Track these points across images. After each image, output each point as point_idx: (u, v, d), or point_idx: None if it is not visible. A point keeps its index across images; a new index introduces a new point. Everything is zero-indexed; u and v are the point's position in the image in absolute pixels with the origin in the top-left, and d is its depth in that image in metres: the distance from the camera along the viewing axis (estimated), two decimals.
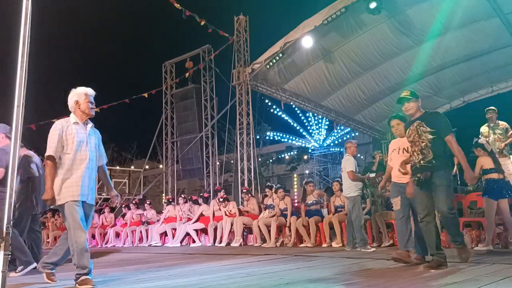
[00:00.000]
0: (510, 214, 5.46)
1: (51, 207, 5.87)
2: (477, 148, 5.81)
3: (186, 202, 10.10)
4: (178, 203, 10.18)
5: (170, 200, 10.76)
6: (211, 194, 12.09)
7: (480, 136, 8.18)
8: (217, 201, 9.16)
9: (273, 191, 8.57)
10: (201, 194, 10.49)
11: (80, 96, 3.58)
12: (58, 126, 3.49)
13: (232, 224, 8.62)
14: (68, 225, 3.39)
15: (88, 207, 3.55)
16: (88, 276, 3.30)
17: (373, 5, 8.61)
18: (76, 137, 3.48)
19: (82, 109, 3.57)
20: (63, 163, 3.44)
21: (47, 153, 3.41)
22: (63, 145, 3.45)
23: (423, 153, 3.82)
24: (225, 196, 9.17)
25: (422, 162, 3.82)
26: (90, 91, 3.65)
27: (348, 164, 6.24)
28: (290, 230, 7.86)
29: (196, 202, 9.90)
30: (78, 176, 3.44)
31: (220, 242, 8.61)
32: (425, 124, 3.88)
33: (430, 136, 3.81)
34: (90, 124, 3.68)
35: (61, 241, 3.63)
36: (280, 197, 8.22)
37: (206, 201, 9.75)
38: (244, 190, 9.34)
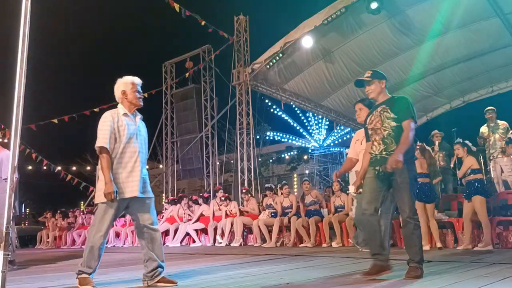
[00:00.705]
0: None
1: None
2: (463, 147, 5.91)
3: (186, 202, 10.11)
4: (180, 203, 10.18)
5: (175, 200, 10.69)
6: (211, 194, 12.09)
7: (480, 136, 8.20)
8: (219, 199, 9.16)
9: (273, 192, 8.58)
10: (201, 194, 10.49)
11: (127, 85, 3.42)
12: (108, 117, 3.31)
13: (232, 224, 8.62)
14: (94, 222, 3.25)
15: (146, 200, 3.37)
16: (90, 276, 3.20)
17: (374, 5, 8.61)
18: (126, 130, 3.31)
19: (129, 99, 3.40)
20: (114, 156, 3.26)
21: (99, 144, 3.21)
22: (115, 137, 3.28)
23: (385, 142, 3.34)
24: (226, 195, 9.17)
25: (384, 153, 3.33)
26: (137, 80, 3.49)
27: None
28: (289, 230, 7.86)
29: (196, 202, 9.90)
30: (129, 172, 3.27)
31: (220, 241, 8.61)
32: (390, 109, 3.37)
33: (394, 124, 3.32)
34: (139, 116, 3.52)
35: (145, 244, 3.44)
36: (285, 194, 8.20)
37: (206, 201, 9.75)
38: (244, 190, 9.34)
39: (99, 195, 3.22)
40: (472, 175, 5.75)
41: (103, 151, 3.21)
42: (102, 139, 3.22)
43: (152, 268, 3.33)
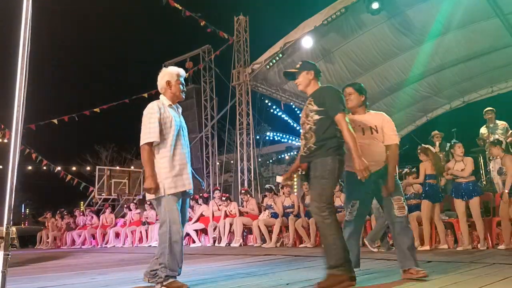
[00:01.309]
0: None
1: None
2: (423, 152, 6.07)
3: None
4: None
5: None
6: (211, 195, 12.09)
7: (480, 138, 8.20)
8: (220, 199, 9.15)
9: (272, 193, 8.57)
10: (201, 194, 10.49)
11: (172, 76, 3.29)
12: (155, 107, 3.15)
13: (231, 225, 8.62)
14: (164, 220, 3.05)
15: (187, 195, 3.29)
16: (176, 279, 2.98)
17: (375, 5, 8.60)
18: (174, 121, 3.18)
19: (173, 90, 3.27)
20: (162, 149, 3.12)
21: (149, 140, 3.07)
22: (162, 128, 3.12)
23: (306, 137, 3.07)
24: (227, 195, 9.17)
25: (304, 149, 3.08)
26: (182, 72, 3.39)
27: None
28: (289, 231, 7.86)
29: (197, 202, 9.89)
30: (180, 164, 3.15)
31: (220, 242, 8.61)
32: (314, 102, 3.12)
33: (317, 117, 3.03)
34: (180, 109, 3.40)
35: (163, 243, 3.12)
36: (286, 194, 8.19)
37: (206, 201, 9.75)
38: (243, 191, 9.31)
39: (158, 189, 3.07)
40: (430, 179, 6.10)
41: (148, 144, 3.07)
42: (152, 134, 3.07)
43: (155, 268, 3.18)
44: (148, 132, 3.08)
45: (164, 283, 2.95)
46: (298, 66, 3.32)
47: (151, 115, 3.12)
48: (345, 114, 2.99)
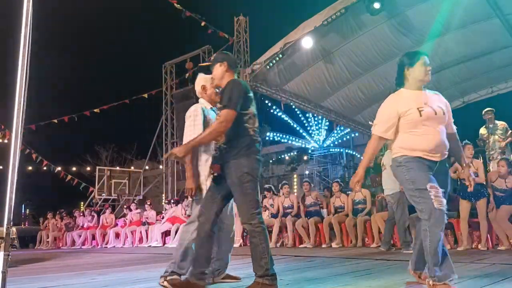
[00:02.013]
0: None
1: None
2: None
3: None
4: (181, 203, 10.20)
5: (178, 200, 10.67)
6: None
7: (479, 138, 8.20)
8: None
9: (271, 192, 8.57)
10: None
11: (207, 80, 3.40)
12: (199, 110, 3.26)
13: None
14: (194, 219, 3.12)
15: None
16: (180, 278, 3.01)
17: (377, 5, 8.60)
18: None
19: (208, 94, 3.39)
20: (204, 151, 3.22)
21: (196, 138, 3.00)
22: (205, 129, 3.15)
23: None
24: None
25: (216, 149, 2.97)
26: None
27: (390, 159, 5.92)
28: (287, 231, 7.86)
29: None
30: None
31: None
32: (221, 96, 2.98)
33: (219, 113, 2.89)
34: (219, 112, 3.50)
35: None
36: (285, 194, 8.19)
37: None
38: None
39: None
40: None
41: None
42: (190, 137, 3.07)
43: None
44: (193, 134, 3.09)
45: (169, 279, 2.98)
46: (211, 58, 3.21)
47: (195, 117, 3.20)
48: (232, 112, 2.75)
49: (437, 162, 2.72)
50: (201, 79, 3.44)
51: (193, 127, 3.19)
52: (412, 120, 2.70)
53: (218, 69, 3.02)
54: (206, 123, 3.23)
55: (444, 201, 2.66)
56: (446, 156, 2.79)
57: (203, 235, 2.84)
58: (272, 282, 2.71)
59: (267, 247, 2.76)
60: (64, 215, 13.58)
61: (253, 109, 2.94)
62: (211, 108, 3.37)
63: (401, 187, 5.73)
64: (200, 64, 3.23)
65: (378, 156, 10.29)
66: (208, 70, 3.22)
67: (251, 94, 2.97)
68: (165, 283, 3.00)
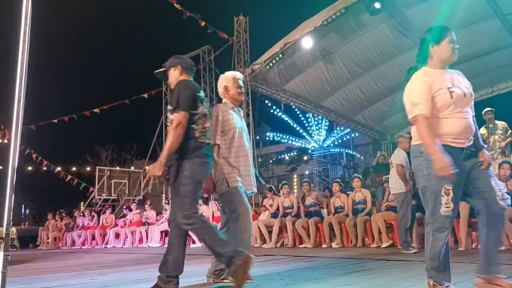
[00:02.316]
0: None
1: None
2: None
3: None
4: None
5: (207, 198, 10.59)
6: (210, 195, 12.09)
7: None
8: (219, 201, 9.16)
9: (272, 192, 8.57)
10: (201, 195, 10.49)
11: (229, 80, 3.44)
12: (218, 111, 3.28)
13: None
14: (240, 211, 3.11)
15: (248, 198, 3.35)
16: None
17: (377, 5, 8.59)
18: (236, 123, 3.28)
19: (230, 94, 3.40)
20: (229, 150, 3.22)
21: (215, 141, 3.15)
22: (224, 129, 3.22)
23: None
24: None
25: None
26: (239, 75, 3.50)
27: (397, 157, 5.87)
28: (287, 231, 7.86)
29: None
30: (246, 166, 3.25)
31: None
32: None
33: (172, 117, 2.85)
34: (242, 112, 3.53)
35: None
36: (285, 194, 8.19)
37: (206, 201, 9.76)
38: None
39: (225, 184, 3.13)
40: None
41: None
42: (214, 136, 3.13)
43: None
44: (213, 135, 3.14)
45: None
46: (165, 63, 3.20)
47: (215, 117, 3.21)
48: (183, 113, 2.77)
49: (463, 150, 2.46)
50: (223, 80, 3.45)
51: (212, 127, 3.16)
52: (443, 101, 2.43)
53: (173, 74, 3.07)
54: (229, 122, 3.23)
55: (452, 206, 2.42)
56: (471, 143, 2.51)
57: (175, 239, 2.86)
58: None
59: (212, 239, 2.77)
60: (64, 215, 13.58)
61: (202, 109, 2.94)
62: (231, 108, 3.35)
63: (406, 187, 5.74)
64: (155, 72, 3.11)
65: (379, 156, 10.31)
66: (165, 76, 3.20)
67: (201, 94, 2.98)
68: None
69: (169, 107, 2.91)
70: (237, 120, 3.32)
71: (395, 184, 5.91)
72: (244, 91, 3.46)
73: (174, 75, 3.06)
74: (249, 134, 11.88)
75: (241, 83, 3.46)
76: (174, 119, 2.75)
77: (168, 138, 2.77)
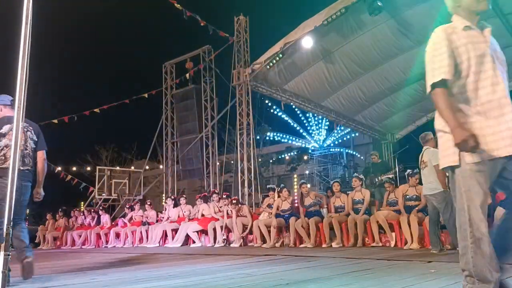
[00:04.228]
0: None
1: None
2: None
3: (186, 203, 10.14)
4: (180, 203, 10.21)
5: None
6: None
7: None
8: (218, 202, 9.15)
9: (275, 193, 8.58)
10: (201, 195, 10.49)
11: None
12: (441, 35, 2.24)
13: (244, 225, 8.61)
14: (461, 204, 2.05)
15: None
16: None
17: (379, 3, 8.58)
18: (473, 51, 2.20)
19: (465, 4, 2.32)
20: (459, 95, 2.14)
21: (438, 79, 2.16)
22: (456, 63, 2.18)
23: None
24: (236, 198, 9.09)
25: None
26: None
27: (435, 156, 5.32)
28: (289, 231, 7.86)
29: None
30: (495, 117, 2.06)
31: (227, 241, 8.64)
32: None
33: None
34: (488, 28, 2.37)
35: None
36: (283, 198, 8.19)
37: (206, 200, 9.76)
38: (234, 201, 8.73)
39: (446, 156, 2.13)
40: None
41: (438, 85, 2.14)
42: (439, 70, 2.17)
43: None
44: (436, 69, 2.23)
45: None
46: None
47: (436, 45, 2.30)
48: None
49: None
50: None
51: (436, 60, 2.26)
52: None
53: None
54: (459, 50, 2.23)
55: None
56: None
57: None
58: None
59: None
60: (64, 215, 13.58)
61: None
62: (465, 27, 2.31)
63: (444, 186, 5.33)
64: None
65: (372, 155, 10.33)
66: None
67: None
68: None
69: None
70: (477, 43, 2.33)
71: (431, 184, 5.54)
72: None
73: None
74: (250, 134, 11.96)
75: None
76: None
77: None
